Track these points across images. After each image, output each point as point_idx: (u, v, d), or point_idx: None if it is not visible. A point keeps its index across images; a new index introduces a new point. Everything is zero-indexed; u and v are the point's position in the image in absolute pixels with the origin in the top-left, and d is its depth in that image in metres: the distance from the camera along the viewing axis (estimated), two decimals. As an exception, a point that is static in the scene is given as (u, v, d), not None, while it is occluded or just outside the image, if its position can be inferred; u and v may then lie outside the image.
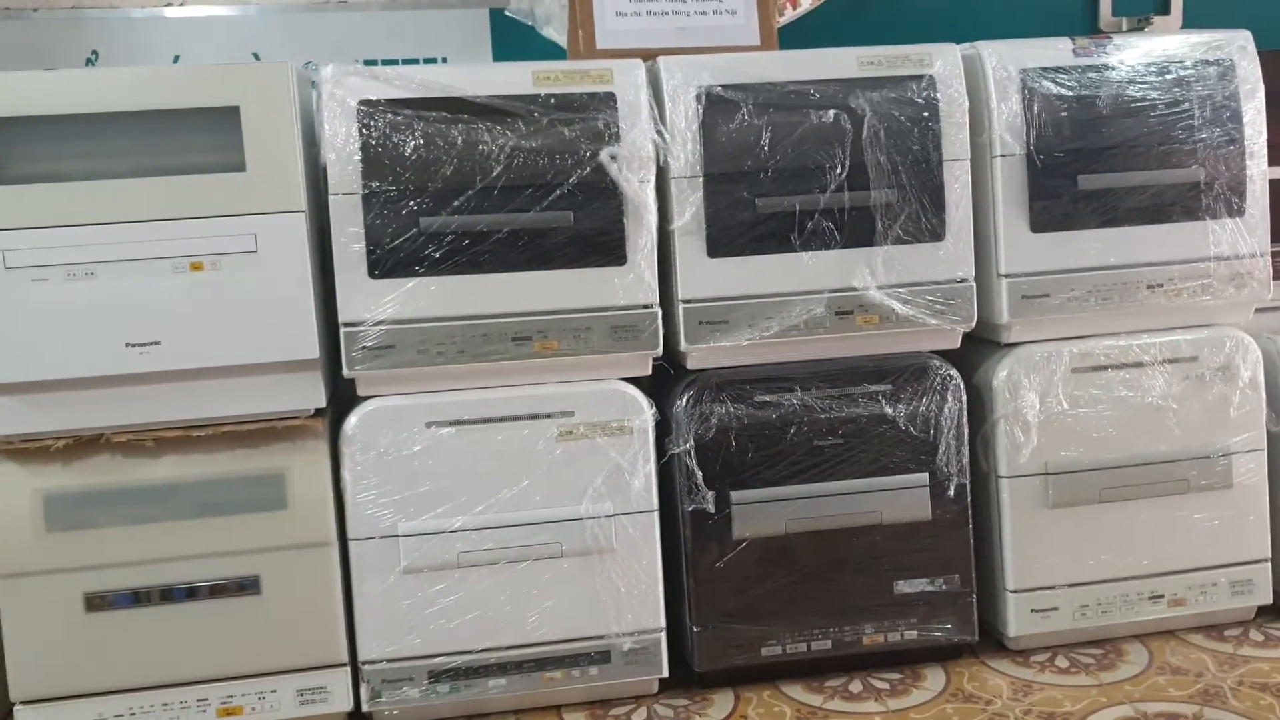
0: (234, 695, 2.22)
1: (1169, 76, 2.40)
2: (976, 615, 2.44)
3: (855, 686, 2.39)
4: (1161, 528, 2.48)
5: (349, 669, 2.27)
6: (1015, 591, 2.45)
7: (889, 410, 2.36)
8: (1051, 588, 2.46)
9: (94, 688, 2.19)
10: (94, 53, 2.91)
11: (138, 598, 2.18)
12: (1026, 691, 2.33)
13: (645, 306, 2.28)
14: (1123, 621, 2.50)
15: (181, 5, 2.95)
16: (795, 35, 2.71)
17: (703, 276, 2.30)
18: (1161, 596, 2.50)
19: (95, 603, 2.17)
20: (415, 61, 2.97)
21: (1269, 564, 2.54)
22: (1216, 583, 2.52)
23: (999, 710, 2.26)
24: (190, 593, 2.19)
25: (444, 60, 3.00)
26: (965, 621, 2.43)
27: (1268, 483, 2.52)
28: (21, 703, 2.18)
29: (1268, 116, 2.45)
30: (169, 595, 2.18)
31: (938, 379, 2.38)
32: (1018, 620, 2.46)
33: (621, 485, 2.29)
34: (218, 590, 2.20)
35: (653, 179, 2.25)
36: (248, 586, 2.20)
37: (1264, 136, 2.43)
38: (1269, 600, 2.56)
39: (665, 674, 2.36)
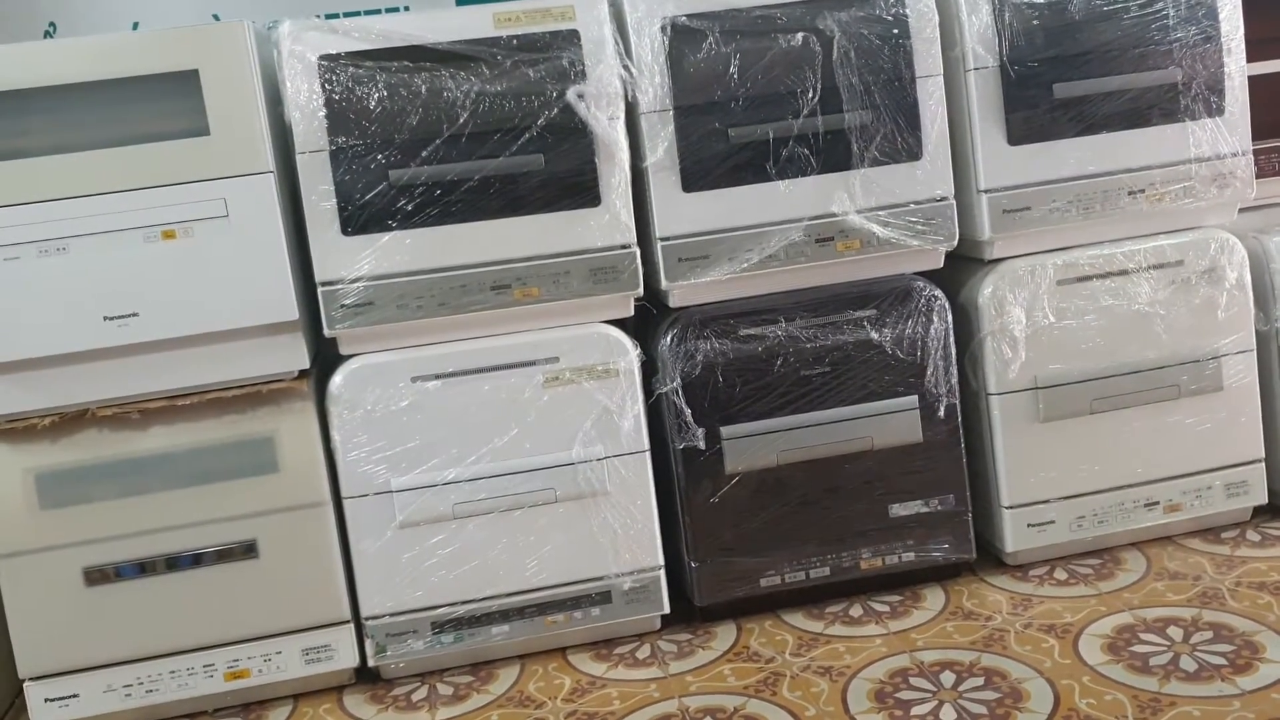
0: (240, 659, 2.25)
1: (1142, -24, 2.35)
2: (973, 533, 2.45)
3: (855, 611, 2.41)
4: (1154, 435, 2.48)
5: (353, 626, 2.29)
6: (1010, 507, 2.46)
7: (875, 335, 2.35)
8: (1046, 501, 2.46)
9: (100, 660, 2.21)
10: (51, 24, 2.86)
11: (136, 569, 2.19)
12: (1026, 605, 2.35)
13: (623, 247, 2.26)
14: (1119, 530, 2.51)
15: (136, -30, 2.89)
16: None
17: (679, 212, 2.28)
18: (1157, 503, 2.51)
19: (94, 576, 2.18)
20: (378, 12, 2.91)
21: (1263, 464, 2.54)
22: (1211, 486, 2.52)
23: (999, 625, 2.28)
24: (188, 560, 2.20)
25: (406, 9, 2.95)
26: (962, 540, 2.44)
27: (1258, 383, 2.51)
28: (31, 679, 2.20)
29: (1245, 12, 2.40)
30: (167, 564, 2.20)
31: (922, 300, 2.36)
32: (1014, 536, 2.47)
33: (611, 428, 2.29)
34: (215, 556, 2.21)
35: (622, 115, 2.22)
36: (245, 551, 2.21)
37: (1241, 32, 2.39)
38: (1264, 500, 2.57)
39: (667, 610, 2.38)
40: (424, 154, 2.16)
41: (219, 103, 2.10)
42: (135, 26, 2.90)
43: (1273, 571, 2.37)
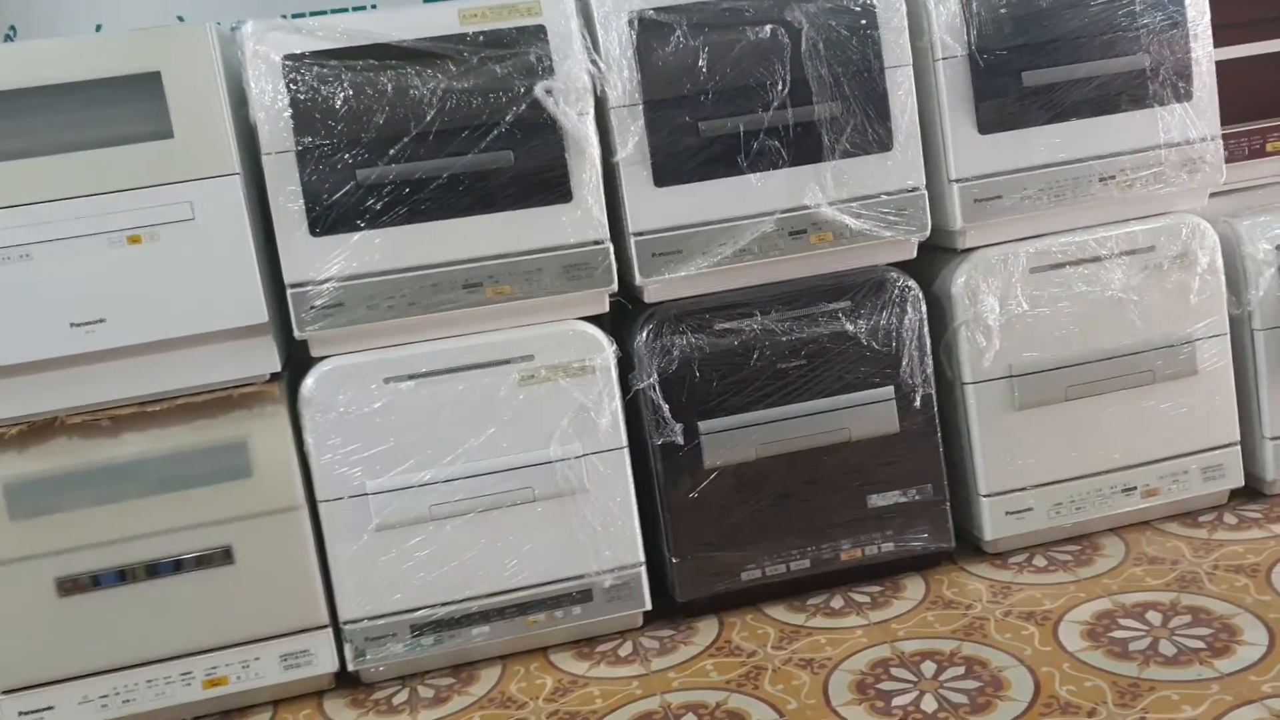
0: (218, 666, 2.22)
1: (1108, -37, 2.35)
2: (952, 522, 2.46)
3: (836, 602, 2.41)
4: (1130, 420, 2.48)
5: (331, 630, 2.27)
6: (988, 496, 2.46)
7: (849, 327, 2.35)
8: (1024, 489, 2.47)
9: (75, 671, 2.19)
10: (12, 28, 2.82)
11: (110, 578, 2.16)
12: (1006, 593, 2.35)
13: (596, 243, 2.25)
14: (1097, 516, 2.52)
15: (98, -28, 2.85)
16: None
17: (652, 207, 2.27)
18: (1134, 488, 2.52)
19: (67, 586, 2.15)
20: (344, 11, 2.89)
21: (1238, 447, 2.55)
22: (1188, 470, 2.53)
23: (979, 614, 2.28)
24: (163, 568, 2.18)
25: (373, 7, 2.93)
26: (941, 529, 2.45)
27: (1232, 366, 2.52)
28: (4, 692, 2.17)
29: (1211, -3, 2.42)
30: (141, 573, 2.17)
31: (896, 291, 2.36)
32: (993, 524, 2.47)
33: (588, 425, 2.28)
34: (190, 563, 2.19)
35: (591, 110, 2.21)
36: (220, 557, 2.19)
37: (1207, 18, 2.40)
38: (1240, 483, 2.58)
39: (648, 607, 2.37)
40: (392, 152, 2.14)
41: (183, 105, 2.08)
42: (98, 28, 2.86)
43: (1250, 554, 2.38)
